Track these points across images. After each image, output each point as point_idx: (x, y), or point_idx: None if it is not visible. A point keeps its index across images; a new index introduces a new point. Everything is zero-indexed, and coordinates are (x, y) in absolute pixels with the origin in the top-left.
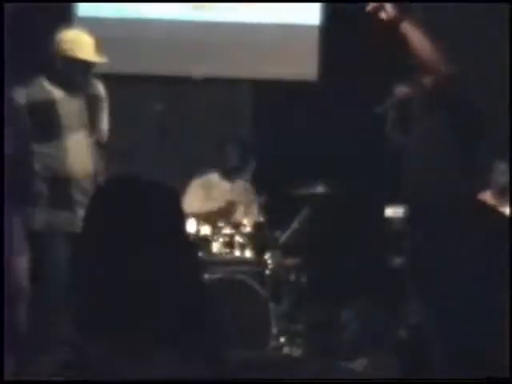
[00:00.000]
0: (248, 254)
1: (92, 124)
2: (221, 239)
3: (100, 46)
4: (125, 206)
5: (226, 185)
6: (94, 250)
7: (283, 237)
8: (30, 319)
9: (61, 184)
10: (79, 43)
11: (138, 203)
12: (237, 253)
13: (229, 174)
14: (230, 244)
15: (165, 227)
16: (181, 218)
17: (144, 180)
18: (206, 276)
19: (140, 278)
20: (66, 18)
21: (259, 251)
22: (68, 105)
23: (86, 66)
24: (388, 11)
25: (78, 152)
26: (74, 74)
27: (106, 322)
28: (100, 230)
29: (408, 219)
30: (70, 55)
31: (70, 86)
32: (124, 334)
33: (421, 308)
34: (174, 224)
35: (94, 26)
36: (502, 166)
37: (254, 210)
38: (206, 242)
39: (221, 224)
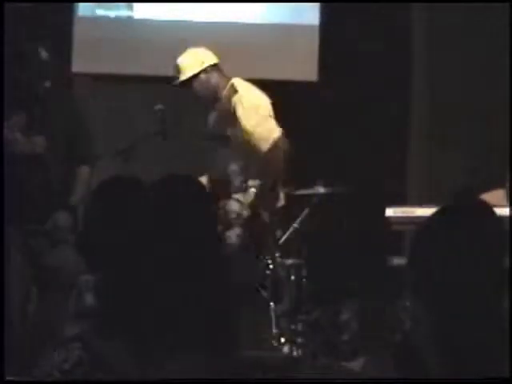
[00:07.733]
0: None
1: None
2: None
3: (100, 46)
4: (166, 205)
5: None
6: (128, 249)
7: (283, 237)
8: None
9: None
10: None
11: (178, 202)
12: None
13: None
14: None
15: (202, 227)
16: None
17: (187, 179)
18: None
19: (176, 277)
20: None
21: (259, 251)
22: None
23: None
24: None
25: None
26: None
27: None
28: (140, 228)
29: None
30: None
31: None
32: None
33: (419, 308)
34: (210, 224)
35: (93, 26)
36: None
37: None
38: None
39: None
